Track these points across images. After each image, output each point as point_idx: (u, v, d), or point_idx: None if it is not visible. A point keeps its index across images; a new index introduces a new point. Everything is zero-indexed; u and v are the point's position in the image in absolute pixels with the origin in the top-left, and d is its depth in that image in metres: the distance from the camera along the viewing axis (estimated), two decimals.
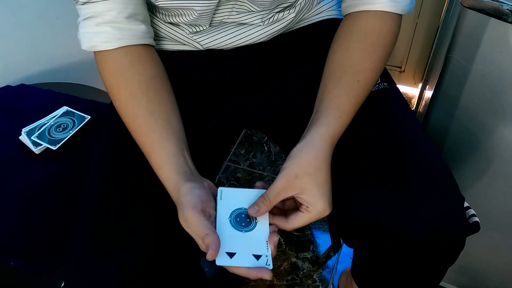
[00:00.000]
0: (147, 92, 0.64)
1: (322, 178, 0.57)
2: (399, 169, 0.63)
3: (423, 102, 1.23)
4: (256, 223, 0.58)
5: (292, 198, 0.58)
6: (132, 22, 0.65)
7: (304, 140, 0.59)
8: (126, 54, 0.65)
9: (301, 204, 0.57)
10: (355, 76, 0.63)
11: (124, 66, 0.65)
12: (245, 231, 0.57)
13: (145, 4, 0.68)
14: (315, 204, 0.56)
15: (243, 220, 0.58)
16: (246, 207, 0.58)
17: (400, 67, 1.72)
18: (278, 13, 0.72)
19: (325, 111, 0.61)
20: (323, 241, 1.31)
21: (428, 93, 1.09)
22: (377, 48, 0.64)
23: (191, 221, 0.54)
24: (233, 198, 0.59)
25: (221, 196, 0.59)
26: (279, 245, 1.30)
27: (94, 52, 0.66)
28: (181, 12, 0.68)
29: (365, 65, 0.64)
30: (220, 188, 0.60)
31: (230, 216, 0.58)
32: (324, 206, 0.56)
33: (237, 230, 0.57)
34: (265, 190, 0.58)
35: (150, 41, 0.69)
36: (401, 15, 0.67)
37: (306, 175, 0.56)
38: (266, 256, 0.55)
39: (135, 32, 0.65)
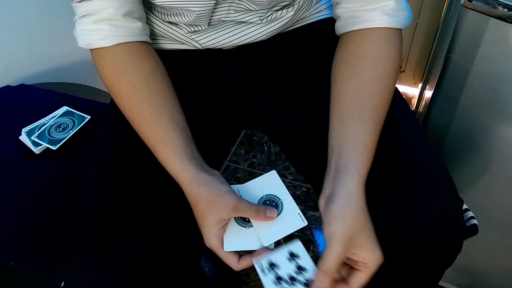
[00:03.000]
0: (149, 87, 0.64)
1: (370, 229, 0.55)
2: (398, 172, 0.63)
3: (423, 102, 1.23)
4: (283, 203, 0.60)
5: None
6: (128, 19, 0.65)
7: (342, 194, 0.56)
8: (124, 50, 0.65)
9: (356, 261, 0.54)
10: (375, 110, 0.61)
11: (124, 62, 0.65)
12: (282, 214, 0.59)
13: (141, 2, 0.68)
14: (372, 257, 0.54)
15: (271, 205, 0.60)
16: (268, 192, 0.61)
17: (400, 67, 1.72)
18: (276, 12, 0.72)
19: (353, 154, 0.58)
20: (323, 241, 1.31)
21: (428, 93, 1.09)
22: (390, 74, 0.63)
23: (240, 210, 0.56)
24: (253, 189, 0.61)
25: (240, 194, 0.61)
26: (279, 245, 1.29)
27: (91, 49, 0.66)
28: (179, 12, 0.68)
29: (382, 95, 0.62)
30: (236, 187, 0.62)
31: (259, 201, 0.60)
32: (378, 256, 0.54)
33: (240, 226, 0.59)
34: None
35: (146, 38, 0.69)
36: (401, 31, 0.66)
37: (359, 233, 0.54)
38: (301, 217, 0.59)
39: (132, 30, 0.66)
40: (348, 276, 0.55)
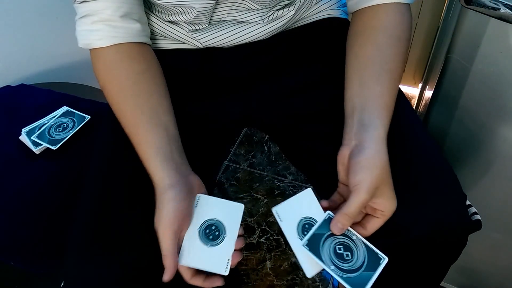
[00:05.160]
0: (135, 87, 0.65)
1: (391, 180, 0.58)
2: (402, 167, 0.63)
3: (423, 102, 1.23)
4: (224, 237, 0.58)
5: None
6: (126, 20, 0.65)
7: (370, 147, 0.58)
8: (117, 51, 0.66)
9: (374, 209, 0.57)
10: (391, 73, 0.64)
11: (115, 62, 0.66)
12: (211, 245, 0.57)
13: (141, 4, 0.68)
14: (390, 206, 0.56)
15: (212, 232, 0.58)
16: (220, 219, 0.59)
17: None
18: (277, 11, 0.72)
19: (376, 111, 0.61)
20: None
21: (428, 93, 1.09)
22: (403, 42, 0.66)
23: (161, 237, 0.56)
24: (209, 207, 0.60)
25: (197, 203, 0.59)
26: (279, 245, 1.30)
27: (90, 50, 0.67)
28: (181, 10, 0.68)
29: (397, 59, 0.65)
30: (198, 195, 0.60)
31: (200, 227, 0.58)
32: (395, 204, 0.57)
33: (202, 243, 0.58)
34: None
35: (145, 39, 0.69)
36: (409, 6, 0.69)
37: (383, 184, 0.56)
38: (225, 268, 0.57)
39: (130, 31, 0.66)
40: (364, 221, 0.58)
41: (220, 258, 0.57)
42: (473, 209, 0.64)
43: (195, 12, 0.66)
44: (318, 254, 0.55)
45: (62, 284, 0.60)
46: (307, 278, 1.22)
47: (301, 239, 0.56)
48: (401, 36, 0.66)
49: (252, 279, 1.23)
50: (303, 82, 0.76)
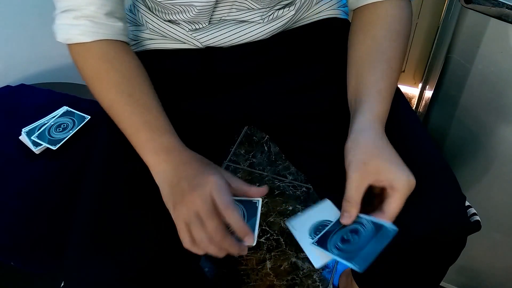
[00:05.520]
0: (131, 80, 0.65)
1: (390, 154, 0.56)
2: None
3: (423, 102, 1.23)
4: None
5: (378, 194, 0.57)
6: (110, 19, 0.65)
7: (355, 130, 0.59)
8: (108, 45, 0.66)
9: (385, 189, 0.55)
10: (387, 62, 0.64)
11: (110, 53, 0.65)
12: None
13: (123, 4, 0.69)
14: (398, 179, 0.54)
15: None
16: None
17: None
18: (277, 11, 0.72)
19: (367, 98, 0.62)
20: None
21: (428, 93, 1.09)
22: (401, 36, 0.67)
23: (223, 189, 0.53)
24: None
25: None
26: (279, 245, 1.30)
27: (69, 45, 0.66)
28: (181, 9, 0.68)
29: (394, 52, 0.66)
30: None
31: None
32: (407, 177, 0.54)
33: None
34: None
35: (126, 38, 0.69)
36: (410, 2, 0.69)
37: (373, 158, 0.55)
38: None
39: (113, 28, 0.66)
40: (382, 205, 0.55)
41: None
42: (472, 210, 0.64)
43: (195, 10, 0.66)
44: (325, 246, 0.54)
45: (62, 284, 0.60)
46: (307, 278, 1.22)
47: (312, 239, 0.55)
48: (399, 31, 0.67)
49: (252, 279, 1.23)
50: (303, 82, 0.76)
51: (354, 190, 0.55)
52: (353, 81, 0.66)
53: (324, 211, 0.59)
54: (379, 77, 0.63)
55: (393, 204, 0.54)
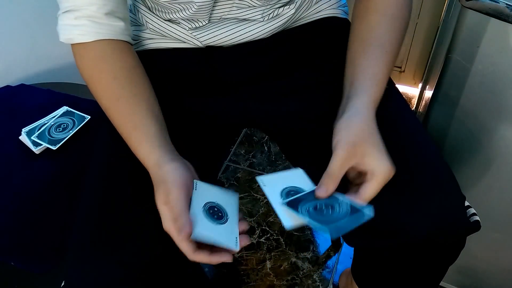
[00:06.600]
0: (130, 77, 0.65)
1: (378, 141, 0.58)
2: (400, 168, 0.63)
3: (423, 102, 1.23)
4: (227, 219, 0.57)
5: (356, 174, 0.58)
6: (111, 18, 0.65)
7: (349, 111, 0.60)
8: (108, 44, 0.66)
9: (365, 174, 0.56)
10: (382, 47, 0.65)
11: (107, 53, 0.65)
12: (217, 223, 0.56)
13: (125, 3, 0.69)
14: (380, 166, 0.55)
15: (216, 213, 0.57)
16: (220, 203, 0.58)
17: (400, 67, 1.72)
18: (278, 9, 0.72)
19: (361, 82, 0.63)
20: (323, 241, 1.31)
21: (428, 93, 1.09)
22: (397, 20, 0.67)
23: (174, 200, 0.54)
24: (207, 191, 0.59)
25: (195, 187, 0.59)
26: (279, 245, 1.30)
27: (72, 45, 0.66)
28: (181, 7, 0.68)
29: (389, 36, 0.66)
30: (195, 181, 0.59)
31: (204, 207, 0.57)
32: (388, 166, 0.55)
33: (209, 221, 0.56)
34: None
35: (128, 38, 0.69)
36: None
37: (363, 141, 0.56)
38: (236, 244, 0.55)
39: (114, 28, 0.66)
40: (360, 189, 0.56)
41: (228, 235, 0.56)
42: (472, 210, 0.64)
43: (195, 6, 0.66)
44: (296, 209, 0.54)
45: (63, 284, 0.60)
46: (307, 278, 1.22)
47: (203, 212, 0.55)
48: (395, 14, 0.67)
49: (252, 279, 1.23)
50: (303, 82, 0.76)
51: (338, 167, 0.56)
52: (349, 66, 0.67)
53: (297, 179, 0.60)
54: (373, 62, 0.64)
55: (370, 189, 0.55)
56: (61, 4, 0.65)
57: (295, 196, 0.56)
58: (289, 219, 0.54)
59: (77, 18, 0.64)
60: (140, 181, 0.65)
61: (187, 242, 0.53)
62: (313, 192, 0.57)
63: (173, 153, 0.61)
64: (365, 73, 0.63)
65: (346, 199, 0.56)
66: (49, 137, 0.90)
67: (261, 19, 0.71)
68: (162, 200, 0.55)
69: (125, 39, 0.68)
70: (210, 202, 0.58)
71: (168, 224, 0.54)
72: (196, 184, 0.59)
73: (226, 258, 0.55)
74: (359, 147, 0.56)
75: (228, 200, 0.60)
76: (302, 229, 1.34)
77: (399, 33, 0.67)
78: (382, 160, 0.56)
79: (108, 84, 0.65)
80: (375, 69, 0.64)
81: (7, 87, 1.06)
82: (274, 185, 0.58)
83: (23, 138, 0.90)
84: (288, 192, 0.58)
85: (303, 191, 0.57)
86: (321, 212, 0.54)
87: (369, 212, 0.54)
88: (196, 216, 0.55)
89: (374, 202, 0.63)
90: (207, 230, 0.54)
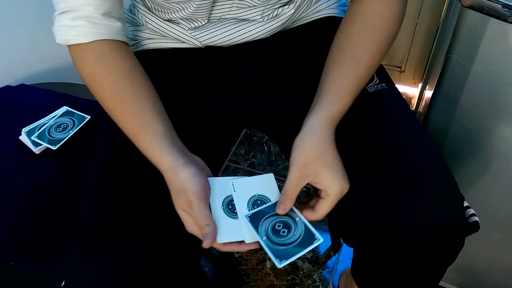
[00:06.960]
0: (132, 77, 0.65)
1: (331, 159, 0.58)
2: (399, 169, 0.63)
3: (423, 102, 1.23)
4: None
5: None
6: (107, 19, 0.65)
7: (305, 128, 0.61)
8: (106, 44, 0.66)
9: (320, 190, 0.58)
10: (355, 59, 0.64)
11: (106, 53, 0.65)
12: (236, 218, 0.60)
13: (121, 3, 0.68)
14: (332, 185, 0.57)
15: (234, 208, 0.61)
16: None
17: (400, 67, 1.72)
18: (277, 9, 0.72)
19: (324, 94, 0.62)
20: (323, 241, 1.31)
21: (428, 93, 1.09)
22: (379, 31, 0.65)
23: (197, 210, 0.57)
24: (221, 186, 0.62)
25: (212, 186, 0.61)
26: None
27: (69, 46, 0.66)
28: (180, 7, 0.68)
29: (366, 47, 0.65)
30: (209, 179, 0.62)
31: (223, 205, 0.61)
32: (340, 185, 0.57)
33: (231, 218, 0.60)
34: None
35: (125, 38, 0.69)
36: None
37: (315, 161, 0.57)
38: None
39: (111, 28, 0.66)
40: (315, 205, 0.59)
41: (249, 229, 0.59)
42: (471, 211, 0.64)
43: (194, 5, 0.66)
44: (256, 226, 0.58)
45: (63, 284, 0.60)
46: (307, 278, 1.22)
47: (249, 211, 0.60)
48: (377, 26, 0.65)
49: (252, 279, 1.23)
50: (302, 81, 0.76)
51: (292, 188, 0.58)
52: (322, 75, 0.66)
53: (267, 185, 0.63)
54: (342, 74, 0.63)
55: (324, 206, 0.58)
56: (57, 6, 0.65)
57: (258, 209, 0.60)
58: (248, 235, 0.58)
59: (74, 18, 0.63)
60: (140, 181, 0.65)
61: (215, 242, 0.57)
62: (275, 204, 0.60)
63: (184, 155, 0.61)
64: (332, 86, 0.63)
65: (302, 218, 0.59)
66: (49, 137, 0.90)
67: (261, 19, 0.71)
68: (184, 207, 0.58)
69: (122, 39, 0.68)
70: (228, 196, 0.62)
71: (193, 228, 0.58)
72: (212, 182, 0.62)
73: (254, 246, 0.58)
74: (311, 167, 0.57)
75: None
76: None
77: (379, 44, 0.65)
78: (334, 178, 0.57)
79: (111, 85, 0.65)
80: (343, 81, 0.63)
81: (7, 87, 1.06)
82: (244, 191, 0.62)
83: (23, 138, 0.90)
84: (255, 202, 0.61)
85: (269, 202, 0.61)
86: (277, 233, 0.58)
87: (319, 236, 0.58)
88: (220, 220, 0.59)
89: (374, 202, 0.63)
90: (229, 235, 0.58)
